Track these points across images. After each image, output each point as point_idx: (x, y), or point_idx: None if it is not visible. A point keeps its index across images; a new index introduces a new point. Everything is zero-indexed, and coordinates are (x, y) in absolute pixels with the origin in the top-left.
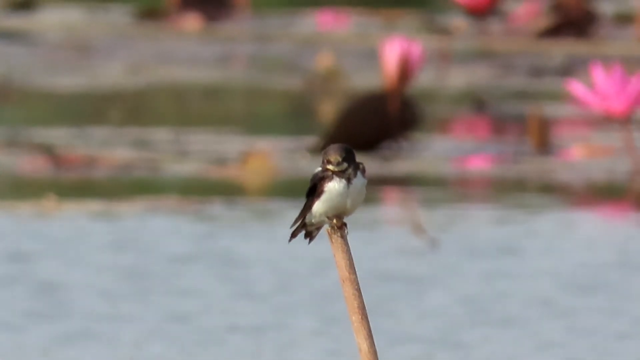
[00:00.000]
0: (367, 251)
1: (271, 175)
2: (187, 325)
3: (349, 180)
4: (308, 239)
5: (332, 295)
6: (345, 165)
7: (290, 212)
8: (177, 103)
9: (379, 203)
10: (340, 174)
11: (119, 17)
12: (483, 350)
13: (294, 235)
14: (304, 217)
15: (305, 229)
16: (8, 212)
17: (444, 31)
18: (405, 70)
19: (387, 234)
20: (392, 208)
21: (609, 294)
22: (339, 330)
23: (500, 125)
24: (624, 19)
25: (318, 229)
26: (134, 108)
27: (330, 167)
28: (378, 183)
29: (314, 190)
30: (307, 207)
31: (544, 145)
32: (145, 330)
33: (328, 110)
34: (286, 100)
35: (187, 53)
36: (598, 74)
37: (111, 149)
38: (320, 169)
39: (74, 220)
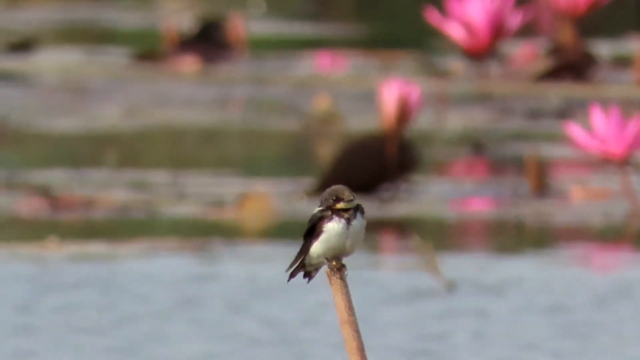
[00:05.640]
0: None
1: (269, 218)
2: None
3: (348, 221)
4: (307, 279)
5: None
6: (355, 202)
7: (288, 254)
8: (174, 145)
9: (387, 244)
10: (342, 213)
11: (116, 59)
12: None
13: (293, 275)
14: (303, 259)
15: (304, 269)
16: (10, 254)
17: (441, 73)
18: (404, 113)
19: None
20: (403, 250)
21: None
22: None
23: (498, 167)
24: (621, 62)
25: (317, 269)
26: (131, 150)
27: (341, 204)
28: (376, 226)
29: (312, 231)
30: (305, 249)
31: (542, 188)
32: None
33: (325, 153)
34: (283, 143)
35: (185, 95)
36: (596, 117)
37: (108, 191)
38: (318, 209)
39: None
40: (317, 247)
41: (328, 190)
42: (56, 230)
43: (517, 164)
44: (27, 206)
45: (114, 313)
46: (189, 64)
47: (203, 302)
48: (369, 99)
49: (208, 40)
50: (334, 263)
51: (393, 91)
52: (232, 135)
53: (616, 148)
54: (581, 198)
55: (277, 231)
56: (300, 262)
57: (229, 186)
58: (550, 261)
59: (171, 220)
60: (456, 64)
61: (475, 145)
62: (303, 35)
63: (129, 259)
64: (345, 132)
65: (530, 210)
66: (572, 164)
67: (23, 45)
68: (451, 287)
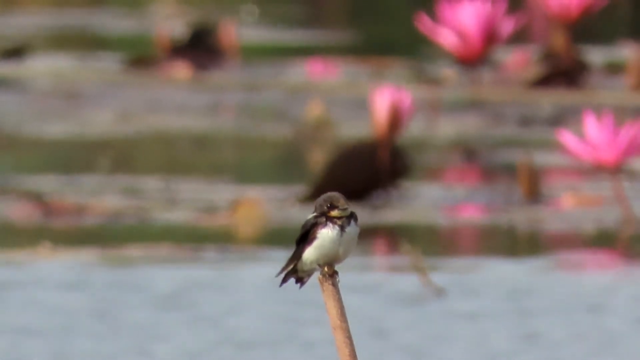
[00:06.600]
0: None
1: (261, 224)
2: None
3: (342, 228)
4: (299, 284)
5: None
6: (349, 210)
7: (281, 259)
8: (166, 151)
9: (378, 251)
10: (336, 220)
11: (109, 65)
12: None
13: (284, 280)
14: (295, 264)
15: (297, 275)
16: (2, 259)
17: (433, 80)
18: (396, 119)
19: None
20: (395, 256)
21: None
22: None
23: (490, 174)
24: (614, 68)
25: (309, 275)
26: (123, 156)
27: (335, 212)
28: (368, 232)
29: (305, 237)
30: (298, 255)
31: (534, 194)
32: None
33: (317, 159)
34: (276, 149)
35: (177, 101)
36: (589, 124)
37: (100, 196)
38: (312, 215)
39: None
40: (310, 253)
41: (322, 196)
42: (48, 236)
43: (509, 171)
44: (19, 212)
45: (107, 318)
46: (181, 70)
47: (196, 307)
48: (361, 105)
49: (200, 47)
50: (326, 269)
51: (385, 98)
52: (225, 141)
53: (609, 155)
54: (573, 205)
55: (270, 237)
56: (293, 268)
57: (222, 192)
58: (542, 268)
59: (164, 227)
60: (448, 71)
61: (467, 151)
62: (295, 42)
63: (122, 265)
64: (337, 139)
65: (522, 217)
66: (564, 170)
67: (16, 51)
68: (440, 293)
